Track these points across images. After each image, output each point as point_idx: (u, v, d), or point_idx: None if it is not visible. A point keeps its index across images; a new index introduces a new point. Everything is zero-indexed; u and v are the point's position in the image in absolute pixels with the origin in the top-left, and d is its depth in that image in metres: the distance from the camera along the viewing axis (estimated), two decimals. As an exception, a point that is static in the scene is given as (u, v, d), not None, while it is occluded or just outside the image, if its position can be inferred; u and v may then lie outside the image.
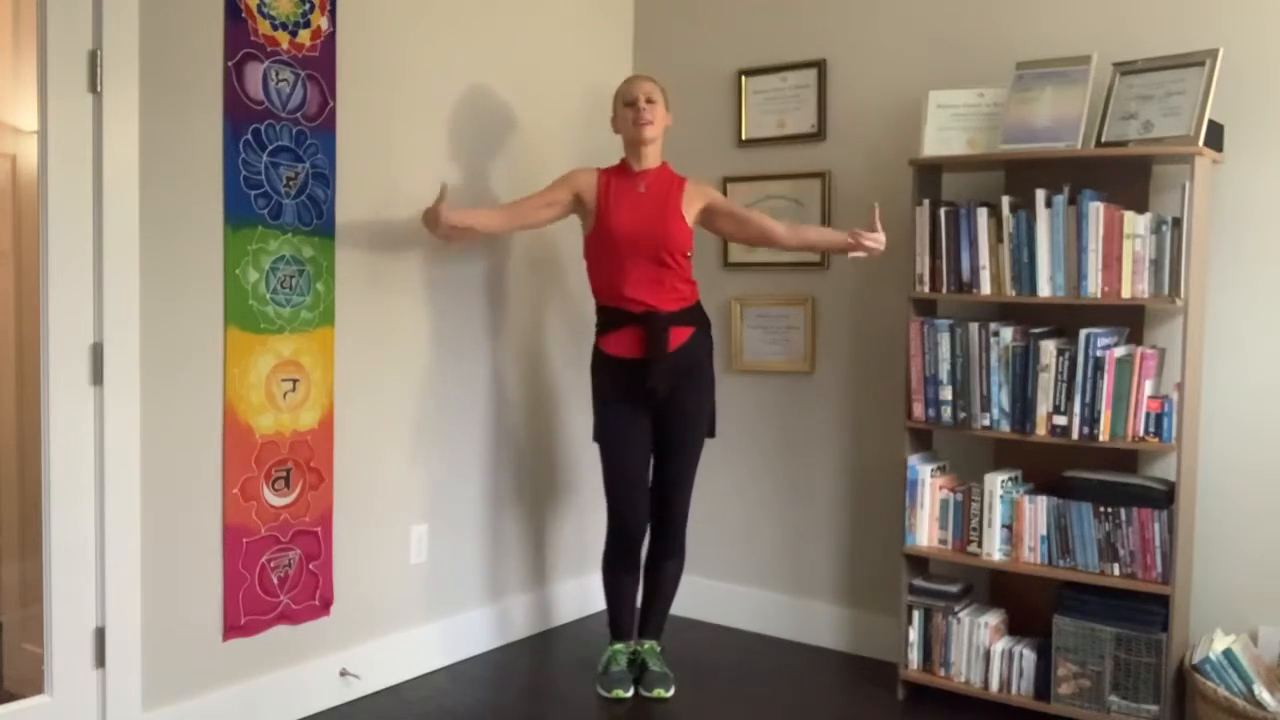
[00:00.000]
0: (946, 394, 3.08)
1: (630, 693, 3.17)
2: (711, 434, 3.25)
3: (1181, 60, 2.82)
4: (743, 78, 3.80)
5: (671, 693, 3.18)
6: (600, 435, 3.17)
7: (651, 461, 3.20)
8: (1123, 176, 2.98)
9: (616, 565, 3.25)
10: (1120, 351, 2.85)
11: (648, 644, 3.29)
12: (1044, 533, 2.96)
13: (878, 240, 3.02)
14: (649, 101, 3.10)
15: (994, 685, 3.04)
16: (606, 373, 3.15)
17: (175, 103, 2.63)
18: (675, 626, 3.83)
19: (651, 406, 3.13)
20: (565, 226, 3.53)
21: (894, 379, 3.45)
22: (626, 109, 3.12)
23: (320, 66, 2.93)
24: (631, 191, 3.12)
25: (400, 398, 3.24)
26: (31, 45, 2.47)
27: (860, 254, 3.06)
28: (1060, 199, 2.89)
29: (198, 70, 2.67)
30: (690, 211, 3.13)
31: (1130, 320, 3.01)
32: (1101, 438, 2.85)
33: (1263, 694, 2.62)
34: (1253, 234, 2.94)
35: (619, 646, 3.27)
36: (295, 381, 2.91)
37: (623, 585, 3.27)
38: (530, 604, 3.74)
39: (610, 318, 3.14)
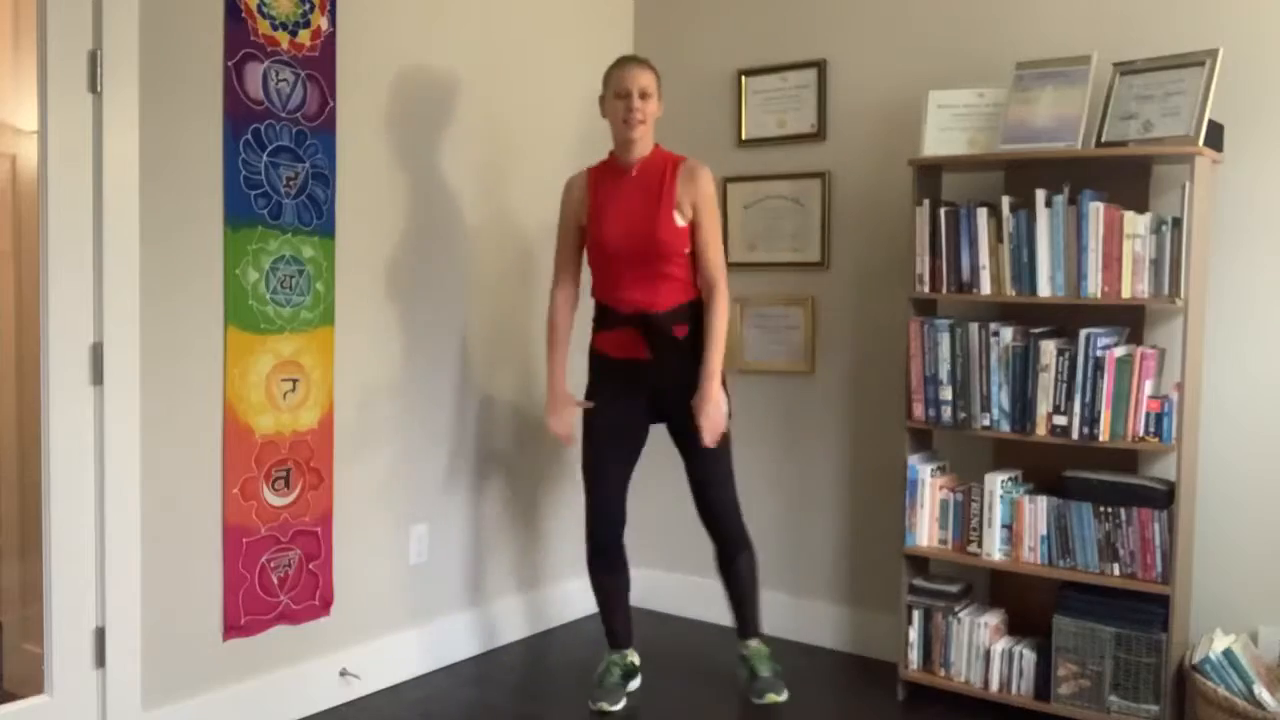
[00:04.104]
0: (946, 394, 3.08)
1: (617, 707, 3.09)
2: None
3: (1181, 60, 2.82)
4: (743, 78, 3.80)
5: (785, 696, 3.12)
6: (584, 430, 3.13)
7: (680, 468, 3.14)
8: (1123, 176, 2.98)
9: (594, 566, 3.17)
10: (1120, 351, 2.85)
11: (751, 645, 3.21)
12: (1044, 533, 2.96)
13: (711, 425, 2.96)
14: (643, 97, 2.95)
15: (994, 685, 3.04)
16: (598, 370, 3.12)
17: (175, 103, 2.64)
18: (674, 626, 3.83)
19: (650, 408, 3.09)
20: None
21: (894, 379, 3.46)
22: (617, 100, 2.96)
23: (320, 66, 2.93)
24: (620, 190, 3.01)
25: (400, 398, 3.24)
26: (31, 45, 2.47)
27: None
28: (1060, 199, 2.89)
29: (198, 70, 2.67)
30: (685, 207, 2.98)
31: (1130, 320, 3.01)
32: (1101, 438, 2.85)
33: (1263, 694, 2.62)
34: (1253, 234, 2.94)
35: (614, 657, 3.21)
36: (295, 381, 2.91)
37: (604, 588, 3.19)
38: (531, 604, 3.74)
39: (604, 315, 3.10)
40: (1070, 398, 2.89)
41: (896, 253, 3.46)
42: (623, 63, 3.02)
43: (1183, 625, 2.88)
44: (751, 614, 3.22)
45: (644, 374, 3.05)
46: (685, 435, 3.07)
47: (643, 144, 3.01)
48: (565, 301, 3.16)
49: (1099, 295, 2.85)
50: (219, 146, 2.72)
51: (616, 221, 3.00)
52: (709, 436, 2.97)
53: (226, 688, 2.81)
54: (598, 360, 3.13)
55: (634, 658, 3.26)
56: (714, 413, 2.97)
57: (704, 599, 3.89)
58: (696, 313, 3.04)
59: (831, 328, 3.64)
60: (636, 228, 2.97)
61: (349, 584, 3.11)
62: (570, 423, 3.13)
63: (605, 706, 3.08)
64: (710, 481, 3.10)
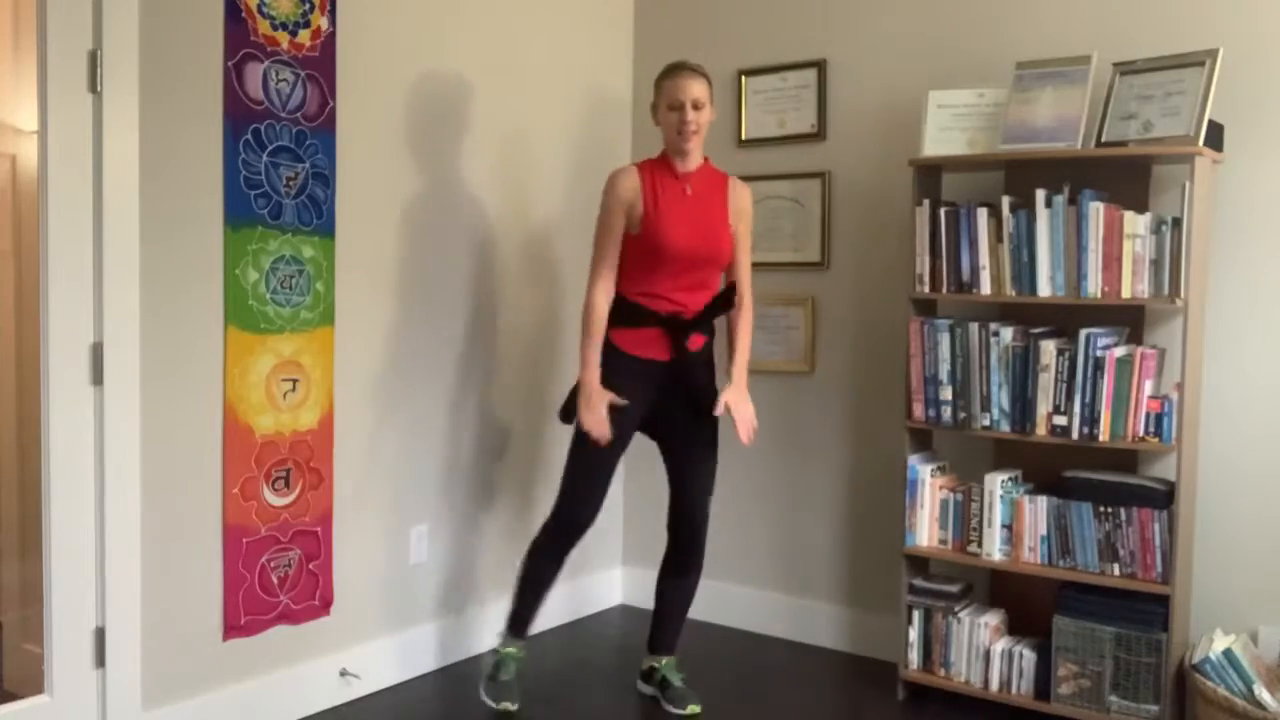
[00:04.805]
0: (946, 394, 3.08)
1: (518, 705, 3.03)
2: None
3: (1181, 60, 2.82)
4: (743, 78, 3.80)
5: (699, 708, 3.08)
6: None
7: (668, 471, 3.11)
8: (1123, 176, 2.98)
9: (548, 554, 3.06)
10: (1120, 351, 2.85)
11: (665, 660, 3.19)
12: (1044, 533, 2.96)
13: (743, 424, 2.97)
14: (696, 107, 2.91)
15: (994, 685, 3.04)
16: (612, 366, 2.98)
17: (175, 103, 2.64)
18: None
19: (648, 413, 3.04)
20: (563, 230, 3.53)
21: (894, 379, 3.46)
22: (670, 112, 2.93)
23: (320, 66, 2.93)
24: (679, 197, 2.97)
25: (400, 398, 3.24)
26: (31, 45, 2.47)
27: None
28: (1060, 199, 2.89)
29: (198, 70, 2.67)
30: (733, 221, 3.03)
31: (1130, 320, 3.01)
32: (1101, 438, 2.85)
33: (1263, 694, 2.62)
34: (1253, 234, 2.94)
35: (511, 650, 3.10)
36: (295, 381, 2.91)
37: (546, 574, 3.07)
38: (530, 604, 3.74)
39: (633, 313, 2.99)
40: (1070, 398, 2.89)
41: (896, 253, 3.46)
42: (674, 72, 2.95)
43: (1183, 625, 2.88)
44: (677, 635, 3.22)
45: (656, 375, 3.00)
46: (686, 438, 3.05)
47: (696, 153, 3.00)
48: (605, 295, 3.00)
49: (1099, 295, 2.85)
50: (219, 146, 2.72)
51: (685, 227, 2.94)
52: (744, 431, 2.96)
53: (226, 688, 2.81)
54: (614, 356, 2.99)
55: (523, 654, 3.16)
56: (750, 408, 3.00)
57: (708, 600, 3.88)
58: (711, 316, 3.06)
59: (831, 328, 3.64)
60: (706, 237, 2.96)
61: (349, 584, 3.11)
62: (606, 419, 2.93)
63: (509, 706, 3.01)
64: (700, 492, 3.08)
